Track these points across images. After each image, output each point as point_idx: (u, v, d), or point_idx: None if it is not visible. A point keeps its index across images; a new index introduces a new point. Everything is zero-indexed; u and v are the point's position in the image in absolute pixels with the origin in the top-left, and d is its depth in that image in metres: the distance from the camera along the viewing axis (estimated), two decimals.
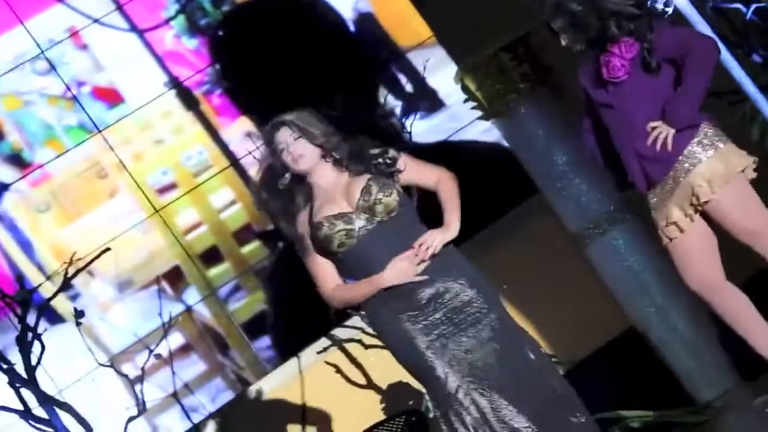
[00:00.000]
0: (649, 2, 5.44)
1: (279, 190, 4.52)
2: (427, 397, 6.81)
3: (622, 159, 4.95)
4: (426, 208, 6.63)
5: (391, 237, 4.44)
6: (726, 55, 5.51)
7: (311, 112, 4.60)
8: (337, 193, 4.49)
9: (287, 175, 4.51)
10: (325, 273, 4.48)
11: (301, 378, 7.71)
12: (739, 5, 6.82)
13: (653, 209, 4.98)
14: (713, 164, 4.79)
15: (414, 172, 4.62)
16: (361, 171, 4.50)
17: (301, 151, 4.46)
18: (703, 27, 5.53)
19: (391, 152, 4.57)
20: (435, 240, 4.47)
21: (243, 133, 8.20)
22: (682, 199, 4.85)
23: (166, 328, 6.48)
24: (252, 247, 8.48)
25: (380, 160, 4.50)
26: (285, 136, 4.49)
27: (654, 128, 4.81)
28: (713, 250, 4.96)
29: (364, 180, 4.48)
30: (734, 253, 5.00)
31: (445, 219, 4.60)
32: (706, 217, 4.89)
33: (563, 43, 4.95)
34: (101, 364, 6.78)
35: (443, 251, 4.50)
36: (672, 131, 4.78)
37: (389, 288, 4.39)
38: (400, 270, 4.38)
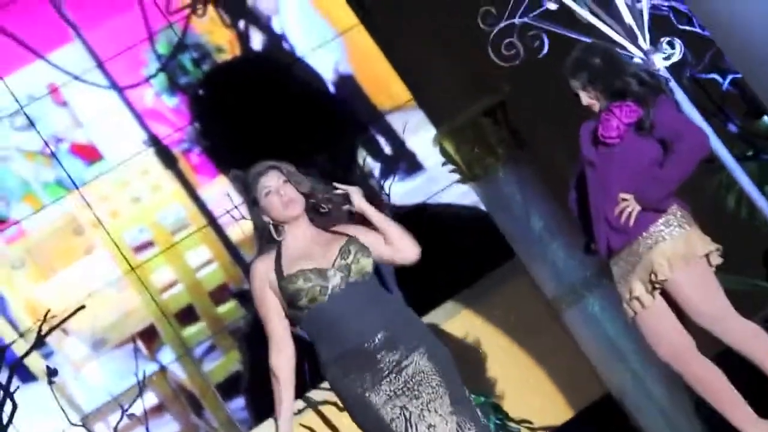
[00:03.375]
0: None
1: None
2: None
3: (592, 220, 5.00)
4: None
5: (361, 300, 4.29)
6: (703, 124, 5.58)
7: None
8: (313, 248, 4.36)
9: (281, 228, 4.35)
10: (274, 332, 4.32)
11: None
12: (715, 76, 6.91)
13: (616, 282, 5.01)
14: (676, 245, 4.83)
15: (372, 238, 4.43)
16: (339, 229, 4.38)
17: (292, 196, 4.32)
18: (681, 96, 5.62)
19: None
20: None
21: (222, 192, 8.21)
22: (643, 274, 4.88)
23: (141, 387, 6.44)
24: (228, 306, 8.45)
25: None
26: (273, 179, 4.33)
27: (624, 200, 4.86)
28: (679, 323, 4.98)
29: (343, 239, 4.35)
30: None
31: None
32: (666, 297, 4.93)
33: (583, 102, 4.97)
34: (73, 424, 6.73)
35: (406, 318, 4.36)
36: (638, 208, 4.84)
37: (349, 355, 4.28)
38: None
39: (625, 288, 4.95)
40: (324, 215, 4.40)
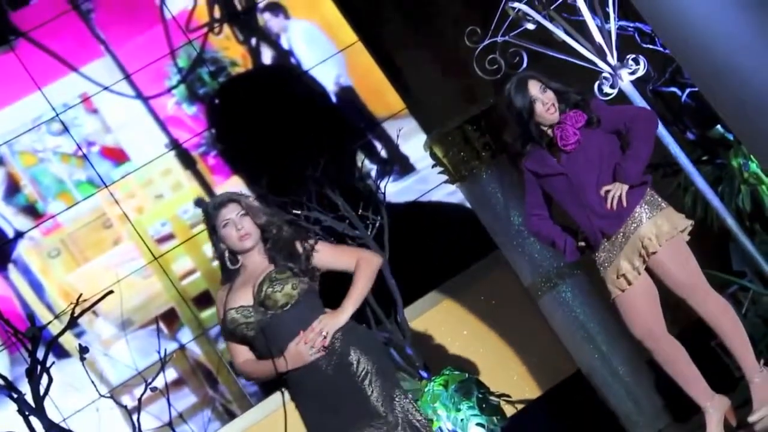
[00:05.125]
0: (597, 84, 5.57)
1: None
2: None
3: (577, 220, 5.00)
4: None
5: (288, 326, 4.16)
6: (663, 132, 5.61)
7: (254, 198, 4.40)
8: (249, 283, 4.24)
9: (239, 257, 4.25)
10: (236, 347, 4.27)
11: (284, 411, 7.66)
12: (675, 89, 6.93)
13: (601, 266, 5.02)
14: (658, 222, 4.86)
15: (330, 258, 4.31)
16: (274, 259, 4.26)
17: (249, 230, 4.22)
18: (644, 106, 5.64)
19: (310, 243, 4.30)
20: (326, 326, 4.18)
21: (235, 191, 8.21)
22: (631, 252, 4.90)
23: (163, 364, 6.43)
24: None
25: (298, 249, 4.27)
26: (233, 212, 4.23)
27: (608, 191, 4.88)
28: (656, 303, 4.99)
29: (266, 272, 4.23)
30: (670, 308, 5.07)
31: (343, 302, 4.27)
32: (650, 274, 4.95)
33: (542, 106, 4.95)
34: (102, 396, 6.71)
35: (349, 334, 4.23)
36: (625, 188, 4.85)
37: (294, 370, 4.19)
38: (295, 355, 4.13)
39: (612, 269, 4.96)
40: (277, 246, 4.28)
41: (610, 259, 4.97)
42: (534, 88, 4.94)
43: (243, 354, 4.27)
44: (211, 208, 4.29)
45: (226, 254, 4.26)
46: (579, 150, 4.90)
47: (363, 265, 4.31)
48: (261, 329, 4.16)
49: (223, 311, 4.25)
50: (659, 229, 4.85)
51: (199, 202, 4.36)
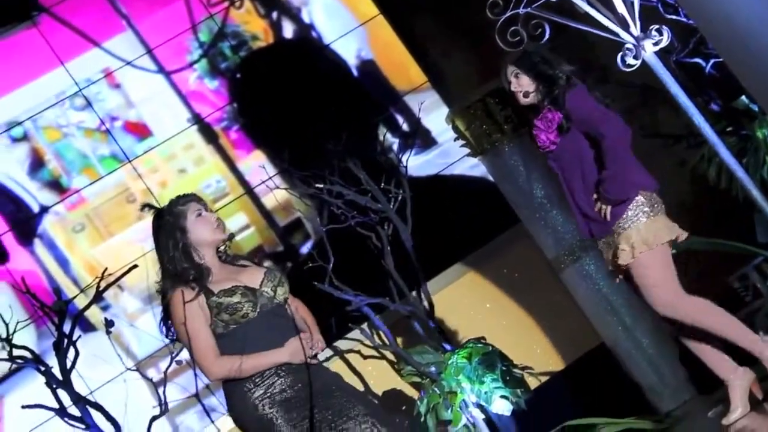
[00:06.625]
0: (620, 55, 5.55)
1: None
2: (419, 402, 6.85)
3: (573, 214, 5.03)
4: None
5: (283, 321, 4.19)
6: (687, 103, 5.58)
7: None
8: (232, 274, 4.24)
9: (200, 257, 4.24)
10: (208, 344, 4.17)
11: (309, 380, 7.71)
12: (699, 60, 6.89)
13: (601, 250, 5.04)
14: (640, 232, 4.82)
15: None
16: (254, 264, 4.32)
17: (220, 220, 4.28)
18: (668, 78, 5.61)
19: None
20: (321, 340, 4.31)
21: (257, 165, 8.24)
22: (611, 255, 4.92)
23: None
24: None
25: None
26: (199, 204, 4.32)
27: (596, 200, 4.88)
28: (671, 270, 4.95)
29: (263, 268, 4.28)
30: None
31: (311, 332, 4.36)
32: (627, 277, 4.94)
33: (512, 88, 4.99)
34: (128, 369, 6.78)
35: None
36: (609, 206, 4.85)
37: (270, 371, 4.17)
38: (297, 349, 4.13)
39: (606, 259, 4.99)
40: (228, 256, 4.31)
41: (604, 251, 5.00)
42: (509, 72, 4.98)
43: (215, 349, 4.18)
44: (173, 212, 4.30)
45: (192, 252, 4.24)
46: (560, 150, 4.91)
47: (304, 310, 4.43)
48: (263, 313, 4.16)
49: (204, 298, 4.16)
50: (638, 240, 4.79)
51: (147, 208, 4.30)
